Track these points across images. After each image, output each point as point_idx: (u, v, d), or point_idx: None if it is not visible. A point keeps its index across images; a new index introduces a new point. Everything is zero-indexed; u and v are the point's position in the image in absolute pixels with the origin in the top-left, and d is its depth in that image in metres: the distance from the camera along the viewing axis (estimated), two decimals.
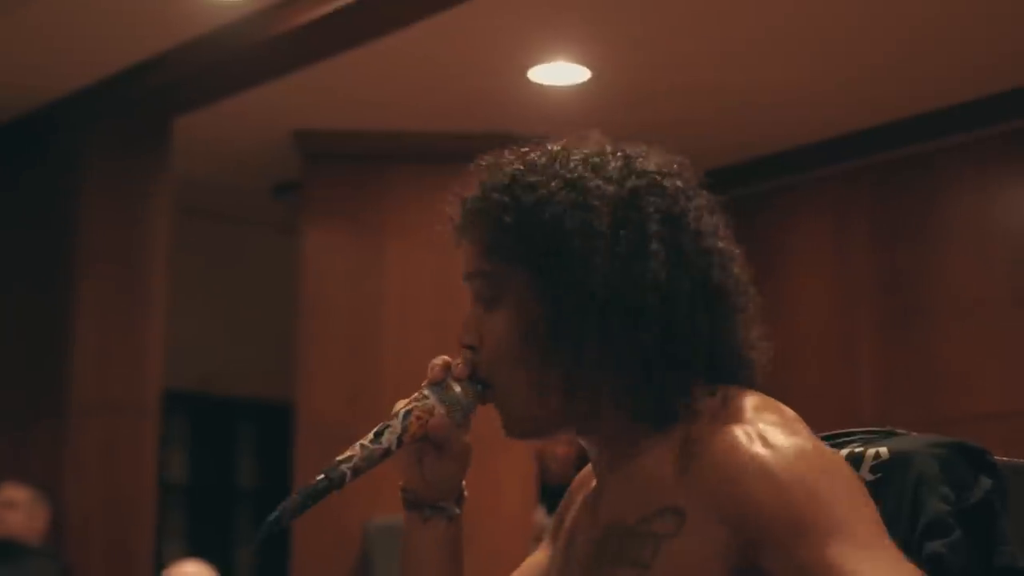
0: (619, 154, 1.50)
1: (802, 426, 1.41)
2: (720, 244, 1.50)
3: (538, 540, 6.09)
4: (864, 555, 1.30)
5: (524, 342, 1.47)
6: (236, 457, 7.48)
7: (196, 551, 5.02)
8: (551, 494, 5.14)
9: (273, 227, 6.84)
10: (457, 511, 1.57)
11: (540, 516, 5.41)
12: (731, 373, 1.48)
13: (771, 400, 1.45)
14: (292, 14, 4.61)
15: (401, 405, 1.52)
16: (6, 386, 5.40)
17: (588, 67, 5.07)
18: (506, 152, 1.53)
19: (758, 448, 1.36)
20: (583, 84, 5.20)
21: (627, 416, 1.46)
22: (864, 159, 5.58)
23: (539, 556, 1.63)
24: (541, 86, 5.23)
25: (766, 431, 1.38)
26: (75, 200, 5.29)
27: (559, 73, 5.12)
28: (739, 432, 1.38)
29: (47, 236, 5.39)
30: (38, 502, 5.01)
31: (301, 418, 5.63)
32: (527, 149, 1.53)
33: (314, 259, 5.80)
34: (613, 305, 1.43)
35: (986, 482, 1.61)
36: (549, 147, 1.52)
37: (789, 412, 1.43)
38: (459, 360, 1.52)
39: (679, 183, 1.49)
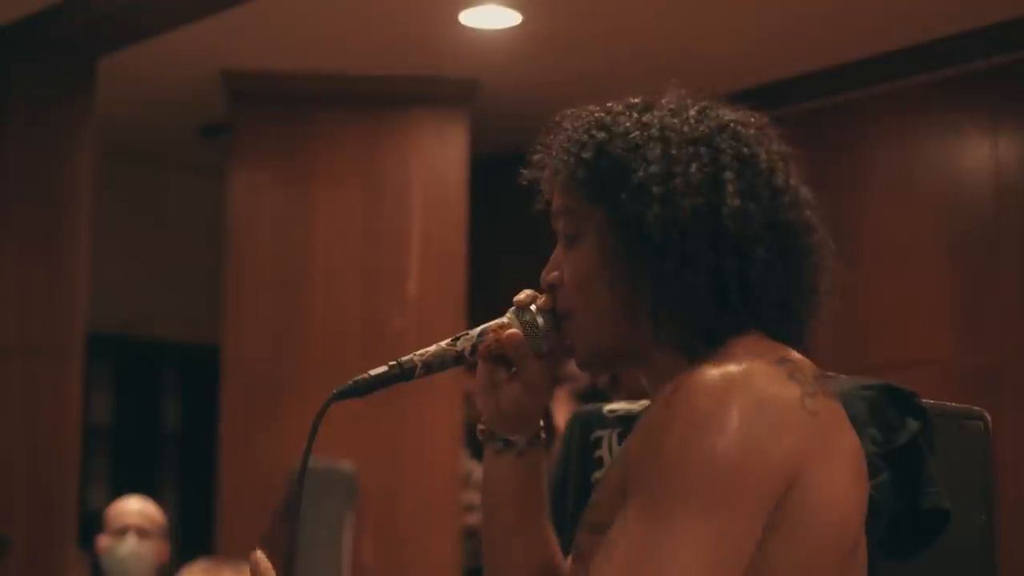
0: (697, 103, 1.56)
1: (770, 375, 1.41)
2: (793, 187, 1.54)
3: (467, 484, 6.07)
4: (638, 528, 1.35)
5: (599, 275, 1.51)
6: (161, 401, 7.43)
7: (120, 496, 4.97)
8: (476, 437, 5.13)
9: (200, 169, 6.76)
10: (528, 446, 1.61)
11: (466, 459, 5.41)
12: (787, 315, 1.50)
13: (772, 348, 1.46)
14: None
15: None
16: None
17: (519, 11, 5.04)
18: (588, 105, 1.59)
19: (682, 398, 1.40)
20: (514, 28, 5.17)
21: (674, 351, 1.49)
22: (788, 107, 5.60)
23: None
24: (472, 29, 5.19)
25: (706, 382, 1.39)
26: None
27: (490, 16, 5.09)
28: (704, 375, 1.40)
29: None
30: None
31: (227, 362, 5.58)
32: (610, 103, 1.59)
33: (242, 201, 5.73)
34: (677, 238, 1.46)
35: (913, 424, 1.63)
36: (631, 99, 1.58)
37: (778, 356, 1.44)
38: (544, 295, 1.58)
39: (753, 130, 1.53)
